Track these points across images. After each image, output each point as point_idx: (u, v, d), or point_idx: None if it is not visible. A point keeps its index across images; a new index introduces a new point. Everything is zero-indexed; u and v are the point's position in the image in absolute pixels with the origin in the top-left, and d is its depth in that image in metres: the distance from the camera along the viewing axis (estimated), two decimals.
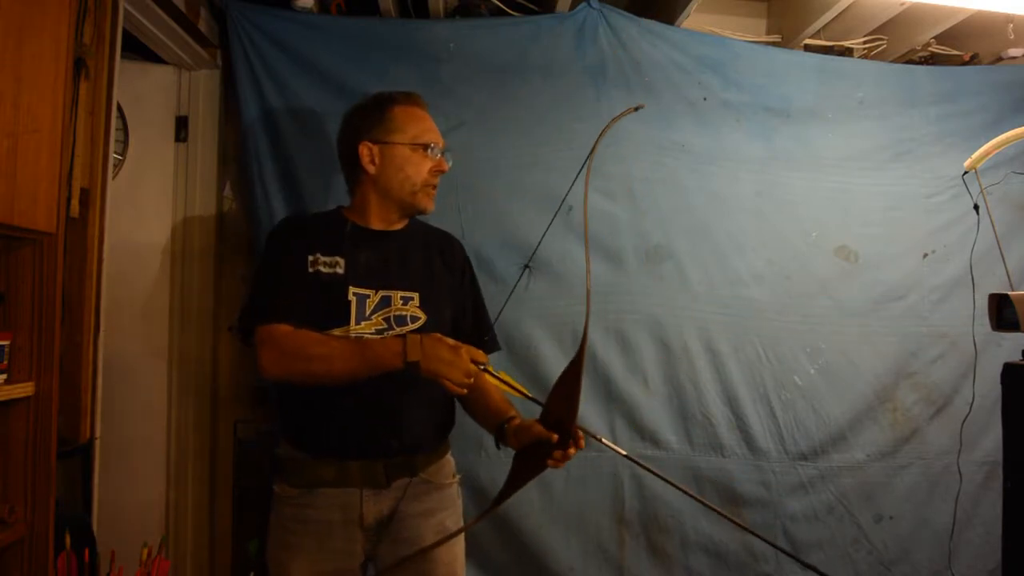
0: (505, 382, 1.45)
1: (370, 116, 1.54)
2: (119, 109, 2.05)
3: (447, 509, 1.55)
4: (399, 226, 1.58)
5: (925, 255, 2.53)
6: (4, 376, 1.27)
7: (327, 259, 1.48)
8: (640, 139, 2.35)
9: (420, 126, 1.54)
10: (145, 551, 1.53)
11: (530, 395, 1.46)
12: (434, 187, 1.56)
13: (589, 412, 2.27)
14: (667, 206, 2.35)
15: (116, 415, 1.97)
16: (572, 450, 1.33)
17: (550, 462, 1.33)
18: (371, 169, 1.52)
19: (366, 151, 1.52)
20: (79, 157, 1.59)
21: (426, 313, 1.51)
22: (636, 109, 1.59)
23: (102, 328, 1.73)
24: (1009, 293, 1.77)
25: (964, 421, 2.38)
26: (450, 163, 1.59)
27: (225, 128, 2.39)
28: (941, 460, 2.48)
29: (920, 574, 2.46)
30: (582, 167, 1.49)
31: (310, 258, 1.48)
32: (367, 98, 1.59)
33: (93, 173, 1.67)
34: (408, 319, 1.49)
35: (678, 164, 2.37)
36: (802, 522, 2.40)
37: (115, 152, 2.14)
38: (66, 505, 1.53)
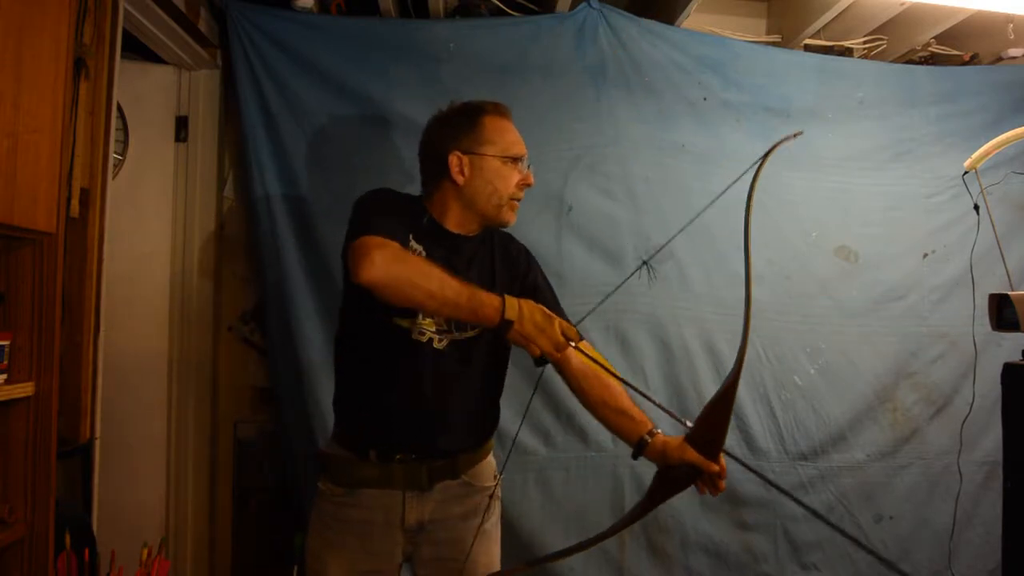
0: (598, 362, 1.43)
1: (461, 125, 1.51)
2: (119, 109, 2.05)
3: (486, 512, 1.54)
4: (473, 233, 1.55)
5: (925, 255, 2.53)
6: (4, 376, 1.27)
7: (414, 243, 1.46)
8: (640, 139, 2.35)
9: (509, 138, 1.52)
10: (145, 551, 1.53)
11: (624, 379, 1.45)
12: (519, 200, 1.53)
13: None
14: (667, 206, 2.35)
15: (116, 415, 1.97)
16: (722, 480, 1.37)
17: (701, 487, 1.37)
18: (460, 180, 1.48)
19: (456, 161, 1.48)
20: (79, 157, 1.59)
21: None
22: (795, 136, 1.54)
23: (102, 328, 1.73)
24: (1009, 293, 1.77)
25: (964, 421, 2.38)
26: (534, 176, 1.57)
27: (225, 128, 2.39)
28: (941, 460, 2.48)
29: (920, 574, 2.46)
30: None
31: (410, 235, 1.46)
32: (454, 106, 1.56)
33: (93, 173, 1.67)
34: (468, 324, 1.47)
35: (678, 164, 2.37)
36: (802, 522, 2.40)
37: (115, 152, 2.14)
38: (66, 505, 1.53)
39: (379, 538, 1.46)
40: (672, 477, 1.40)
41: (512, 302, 1.32)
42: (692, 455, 1.36)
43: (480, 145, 1.48)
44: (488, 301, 1.31)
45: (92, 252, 1.68)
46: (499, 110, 1.54)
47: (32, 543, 1.30)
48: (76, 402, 1.63)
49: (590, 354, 1.42)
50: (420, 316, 1.45)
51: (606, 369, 1.42)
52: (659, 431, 1.45)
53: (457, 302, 1.30)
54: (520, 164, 1.51)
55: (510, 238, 1.66)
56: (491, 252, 1.58)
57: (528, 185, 1.54)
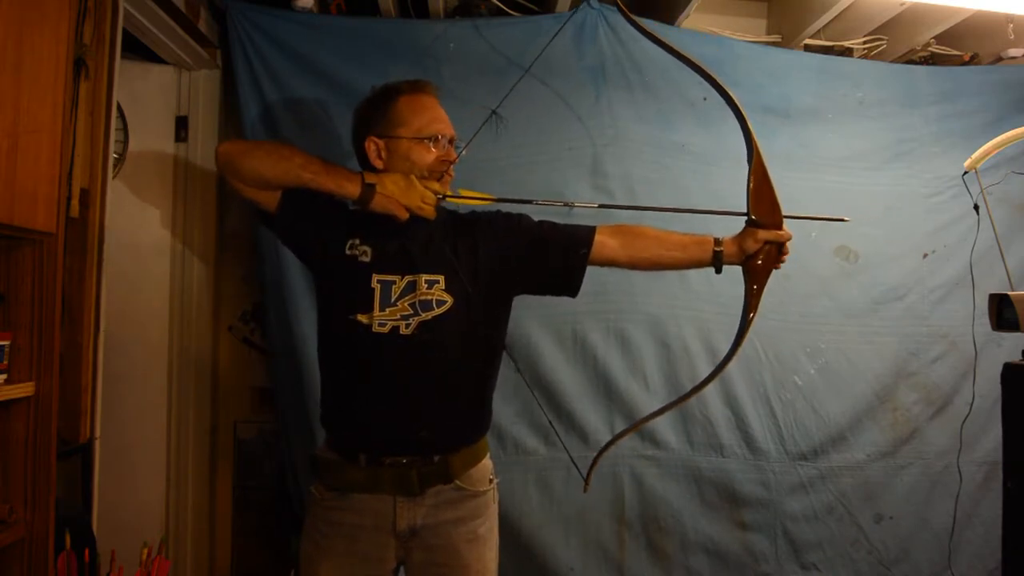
0: (472, 197, 1.51)
1: (376, 110, 1.51)
2: (119, 109, 2.05)
3: (480, 517, 1.50)
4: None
5: (925, 255, 2.53)
6: (4, 376, 1.27)
7: (362, 245, 1.46)
8: (640, 139, 2.34)
9: (425, 117, 1.50)
10: (145, 551, 1.53)
11: (496, 198, 1.52)
12: (445, 173, 1.50)
13: (589, 411, 2.27)
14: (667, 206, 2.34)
15: (116, 415, 1.98)
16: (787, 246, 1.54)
17: (781, 260, 1.55)
18: (379, 164, 1.48)
19: (372, 147, 1.49)
20: (79, 157, 1.59)
21: (452, 296, 1.45)
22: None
23: (102, 328, 1.73)
24: (1009, 293, 1.77)
25: (964, 421, 2.38)
26: (463, 152, 1.55)
27: (225, 128, 2.39)
28: (941, 460, 2.48)
29: (920, 574, 2.46)
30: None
31: (350, 242, 1.47)
32: (375, 90, 1.56)
33: (93, 173, 1.67)
34: (434, 303, 1.44)
35: (678, 164, 2.37)
36: (802, 522, 2.40)
37: (115, 152, 2.14)
38: (66, 505, 1.53)
39: (369, 543, 1.44)
40: (758, 264, 1.53)
41: (372, 174, 1.42)
42: (766, 233, 1.51)
43: (394, 127, 1.48)
44: (349, 174, 1.41)
45: (92, 252, 1.68)
46: (416, 87, 1.53)
47: (32, 543, 1.30)
48: (76, 402, 1.63)
49: (468, 195, 1.51)
50: (376, 308, 1.42)
51: (476, 198, 1.52)
52: (723, 239, 1.55)
53: (315, 172, 1.39)
54: (438, 143, 1.49)
55: (468, 216, 1.60)
56: (449, 231, 1.53)
57: (450, 161, 1.51)
